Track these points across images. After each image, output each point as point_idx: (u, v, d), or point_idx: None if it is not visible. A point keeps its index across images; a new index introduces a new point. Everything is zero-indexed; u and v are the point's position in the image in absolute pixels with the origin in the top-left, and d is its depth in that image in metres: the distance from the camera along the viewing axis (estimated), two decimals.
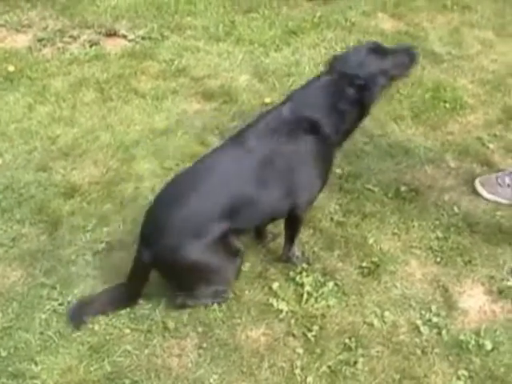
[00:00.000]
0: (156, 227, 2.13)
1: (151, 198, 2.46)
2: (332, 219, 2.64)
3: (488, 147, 3.13)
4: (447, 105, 3.38)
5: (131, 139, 2.97)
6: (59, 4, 3.96)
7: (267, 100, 3.24)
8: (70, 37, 3.64)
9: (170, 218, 2.11)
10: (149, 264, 2.14)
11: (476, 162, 3.04)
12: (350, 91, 2.17)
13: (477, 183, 2.86)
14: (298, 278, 2.37)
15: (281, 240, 2.45)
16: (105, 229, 2.52)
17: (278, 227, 2.47)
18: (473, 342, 2.19)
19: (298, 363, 2.10)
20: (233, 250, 2.19)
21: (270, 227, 2.49)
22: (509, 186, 2.80)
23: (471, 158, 3.06)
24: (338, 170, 2.86)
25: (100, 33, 3.71)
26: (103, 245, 2.47)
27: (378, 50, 2.27)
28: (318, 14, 4.03)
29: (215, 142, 2.92)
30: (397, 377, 2.07)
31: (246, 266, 2.37)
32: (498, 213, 2.71)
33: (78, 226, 2.54)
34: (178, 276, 2.19)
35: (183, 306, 2.24)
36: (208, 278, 2.20)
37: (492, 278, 2.44)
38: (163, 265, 2.16)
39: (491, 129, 3.26)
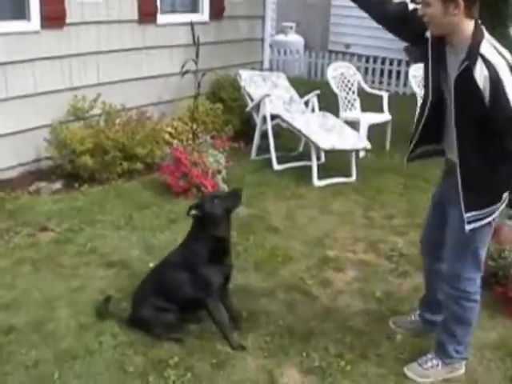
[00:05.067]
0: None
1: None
2: None
3: (307, 283, 4.06)
4: (280, 258, 4.36)
5: (55, 295, 3.75)
6: (7, 211, 4.87)
7: (151, 265, 4.03)
8: (14, 232, 4.53)
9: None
10: None
11: (299, 293, 3.92)
12: None
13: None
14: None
15: None
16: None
17: None
18: None
19: None
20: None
21: None
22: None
23: (295, 291, 3.96)
24: None
25: (36, 229, 4.59)
26: None
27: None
28: None
29: (115, 295, 3.73)
30: None
31: None
32: None
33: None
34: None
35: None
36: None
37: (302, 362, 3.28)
38: None
39: (310, 271, 4.21)
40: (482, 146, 2.76)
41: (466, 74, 2.62)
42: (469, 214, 2.86)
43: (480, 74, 2.59)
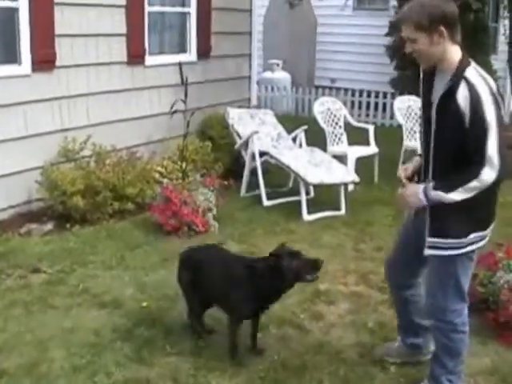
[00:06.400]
0: None
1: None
2: None
3: (299, 317, 4.06)
4: None
5: (48, 337, 3.72)
6: None
7: (144, 304, 4.11)
8: (6, 274, 4.51)
9: None
10: None
11: (291, 327, 3.93)
12: None
13: None
14: None
15: None
16: None
17: None
18: None
19: None
20: None
21: None
22: None
23: (288, 325, 3.97)
24: None
25: (27, 270, 4.57)
26: None
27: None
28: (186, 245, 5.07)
29: (109, 335, 3.74)
30: None
31: None
32: None
33: None
34: None
35: None
36: None
37: None
38: None
39: (302, 305, 4.21)
40: (453, 172, 2.79)
41: (449, 95, 2.71)
42: (431, 239, 2.89)
43: (462, 94, 2.67)
